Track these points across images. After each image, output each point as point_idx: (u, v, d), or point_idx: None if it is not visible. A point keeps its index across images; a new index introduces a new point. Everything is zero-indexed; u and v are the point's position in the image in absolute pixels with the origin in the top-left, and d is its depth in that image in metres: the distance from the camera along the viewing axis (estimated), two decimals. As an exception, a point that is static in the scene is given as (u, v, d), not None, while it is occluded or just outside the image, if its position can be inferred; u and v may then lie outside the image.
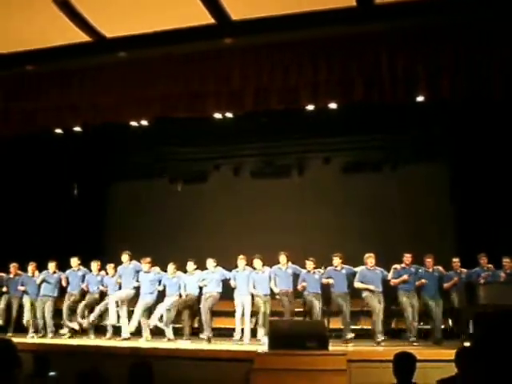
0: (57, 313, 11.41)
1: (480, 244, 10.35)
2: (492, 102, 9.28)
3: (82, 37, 8.36)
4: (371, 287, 9.97)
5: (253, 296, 10.49)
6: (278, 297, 10.44)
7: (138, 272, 11.07)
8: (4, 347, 3.74)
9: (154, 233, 13.38)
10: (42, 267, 11.53)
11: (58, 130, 11.05)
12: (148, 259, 10.99)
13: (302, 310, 10.79)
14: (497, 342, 1.70)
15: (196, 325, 11.29)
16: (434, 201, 12.24)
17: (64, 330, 11.22)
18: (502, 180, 10.98)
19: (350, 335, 10.03)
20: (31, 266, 11.56)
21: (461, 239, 11.61)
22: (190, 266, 10.87)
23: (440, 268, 10.07)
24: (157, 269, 11.02)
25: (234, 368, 8.00)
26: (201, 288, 10.74)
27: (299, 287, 10.38)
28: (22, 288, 11.48)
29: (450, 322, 10.28)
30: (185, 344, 10.19)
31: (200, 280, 10.71)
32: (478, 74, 7.58)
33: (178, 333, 10.88)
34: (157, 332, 10.97)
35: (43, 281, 11.31)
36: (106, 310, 11.08)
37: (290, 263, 10.56)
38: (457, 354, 4.55)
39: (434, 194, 12.28)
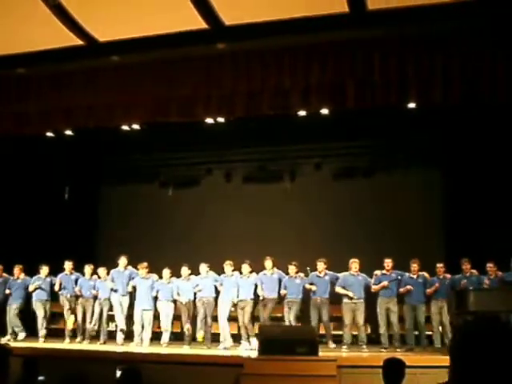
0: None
1: (469, 249, 10.38)
2: (484, 107, 9.36)
3: (75, 40, 8.35)
4: (350, 294, 10.00)
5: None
6: (260, 300, 10.46)
7: (132, 279, 11.05)
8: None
9: (145, 237, 13.32)
10: (31, 270, 11.48)
11: (50, 134, 11.00)
12: (145, 264, 10.93)
13: (280, 315, 10.75)
14: (468, 353, 1.72)
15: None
16: (424, 207, 12.25)
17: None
18: (494, 185, 11.00)
19: (332, 344, 10.07)
20: (17, 269, 11.47)
21: (451, 245, 11.62)
22: (184, 270, 10.83)
23: (425, 274, 10.09)
24: (155, 276, 10.98)
25: (224, 373, 7.98)
26: (195, 293, 10.75)
27: (281, 293, 10.41)
28: (7, 291, 11.40)
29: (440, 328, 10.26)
30: (171, 349, 10.20)
31: (194, 286, 10.72)
32: (469, 80, 7.63)
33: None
34: (152, 337, 10.93)
35: (36, 288, 11.27)
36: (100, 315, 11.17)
37: (275, 269, 10.57)
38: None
39: (425, 200, 12.28)
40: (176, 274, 10.93)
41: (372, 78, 7.87)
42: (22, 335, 11.14)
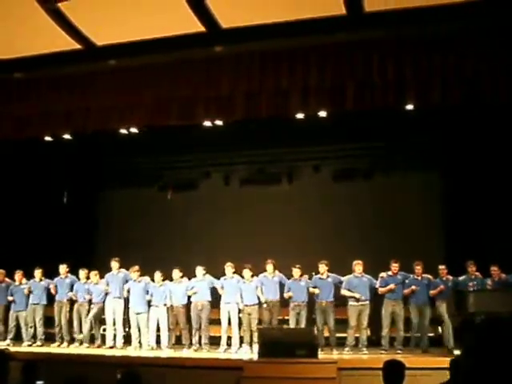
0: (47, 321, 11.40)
1: (469, 252, 10.37)
2: (484, 108, 9.36)
3: (73, 44, 8.37)
4: (357, 295, 9.97)
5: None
6: (264, 305, 10.40)
7: (127, 281, 11.02)
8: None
9: (144, 240, 13.28)
10: (30, 275, 11.46)
11: (49, 138, 10.99)
12: (136, 267, 10.90)
13: (287, 318, 10.70)
14: (487, 351, 1.72)
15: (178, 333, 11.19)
16: (424, 208, 12.23)
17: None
18: (493, 187, 11.00)
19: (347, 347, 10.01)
20: (18, 274, 11.43)
21: (451, 247, 11.61)
22: (176, 273, 10.78)
23: (429, 276, 10.08)
24: (147, 278, 10.95)
25: (224, 376, 7.96)
26: (188, 297, 10.69)
27: (285, 295, 10.36)
28: (10, 298, 11.39)
29: (440, 329, 10.27)
30: (171, 352, 10.24)
31: (188, 289, 10.67)
32: (469, 81, 7.63)
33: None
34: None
35: (31, 291, 11.25)
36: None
37: (277, 272, 10.53)
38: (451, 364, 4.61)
39: (424, 202, 12.26)
40: (171, 276, 10.91)
41: (370, 80, 7.88)
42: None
